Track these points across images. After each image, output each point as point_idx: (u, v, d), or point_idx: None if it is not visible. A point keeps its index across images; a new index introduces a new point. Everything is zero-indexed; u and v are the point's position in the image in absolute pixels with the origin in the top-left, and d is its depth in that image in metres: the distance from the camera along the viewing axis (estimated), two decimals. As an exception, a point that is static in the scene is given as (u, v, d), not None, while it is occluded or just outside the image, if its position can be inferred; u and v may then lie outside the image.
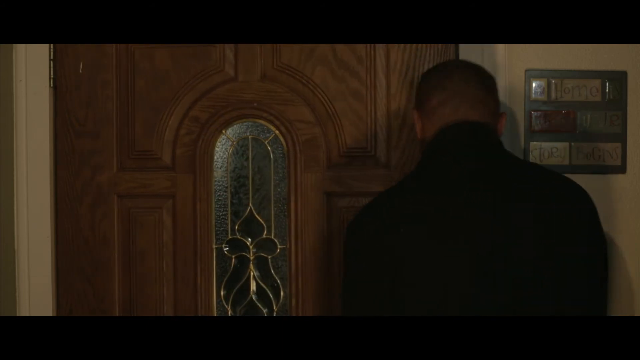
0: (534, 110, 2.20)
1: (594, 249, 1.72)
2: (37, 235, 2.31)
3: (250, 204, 2.28)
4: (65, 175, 2.32)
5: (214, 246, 2.28)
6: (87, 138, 2.31)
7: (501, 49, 2.18)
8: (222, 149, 2.29)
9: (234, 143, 2.28)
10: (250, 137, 2.28)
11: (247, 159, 2.28)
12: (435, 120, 1.79)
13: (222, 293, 2.29)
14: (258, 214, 2.28)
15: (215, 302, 2.29)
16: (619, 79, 2.18)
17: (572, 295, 1.65)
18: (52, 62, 2.31)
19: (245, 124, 2.28)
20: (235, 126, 2.28)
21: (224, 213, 2.29)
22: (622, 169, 2.20)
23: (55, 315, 2.31)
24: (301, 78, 2.24)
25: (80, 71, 2.31)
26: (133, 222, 2.30)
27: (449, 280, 1.63)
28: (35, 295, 2.30)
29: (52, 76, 2.31)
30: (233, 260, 2.29)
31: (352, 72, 2.23)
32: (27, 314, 2.30)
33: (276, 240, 2.28)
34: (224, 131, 2.28)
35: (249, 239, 2.28)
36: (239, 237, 2.29)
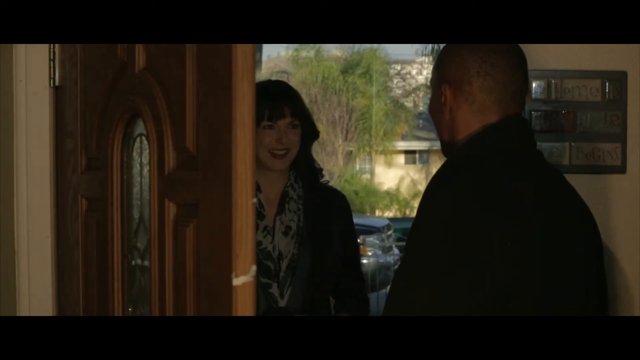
0: (534, 110, 2.20)
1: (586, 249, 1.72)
2: (37, 235, 2.30)
3: (141, 209, 2.01)
4: (62, 176, 2.30)
5: (123, 254, 2.03)
6: (71, 138, 2.25)
7: (501, 49, 2.17)
8: (131, 148, 2.01)
9: (135, 141, 2.01)
10: (141, 135, 1.98)
11: (140, 158, 2.01)
12: (476, 107, 1.76)
13: (130, 308, 2.01)
14: (145, 220, 2.00)
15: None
16: (619, 79, 2.18)
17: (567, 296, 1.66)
18: (52, 62, 2.30)
19: (140, 120, 1.95)
20: (138, 122, 1.96)
21: (130, 218, 2.04)
22: (622, 169, 2.20)
23: (55, 315, 2.31)
24: (162, 68, 1.88)
25: (67, 70, 2.28)
26: (88, 225, 2.17)
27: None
28: (35, 295, 2.30)
29: (52, 76, 2.30)
30: (136, 271, 2.01)
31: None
32: (27, 314, 2.29)
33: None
34: (129, 129, 2.02)
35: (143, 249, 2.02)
36: (137, 245, 2.01)
